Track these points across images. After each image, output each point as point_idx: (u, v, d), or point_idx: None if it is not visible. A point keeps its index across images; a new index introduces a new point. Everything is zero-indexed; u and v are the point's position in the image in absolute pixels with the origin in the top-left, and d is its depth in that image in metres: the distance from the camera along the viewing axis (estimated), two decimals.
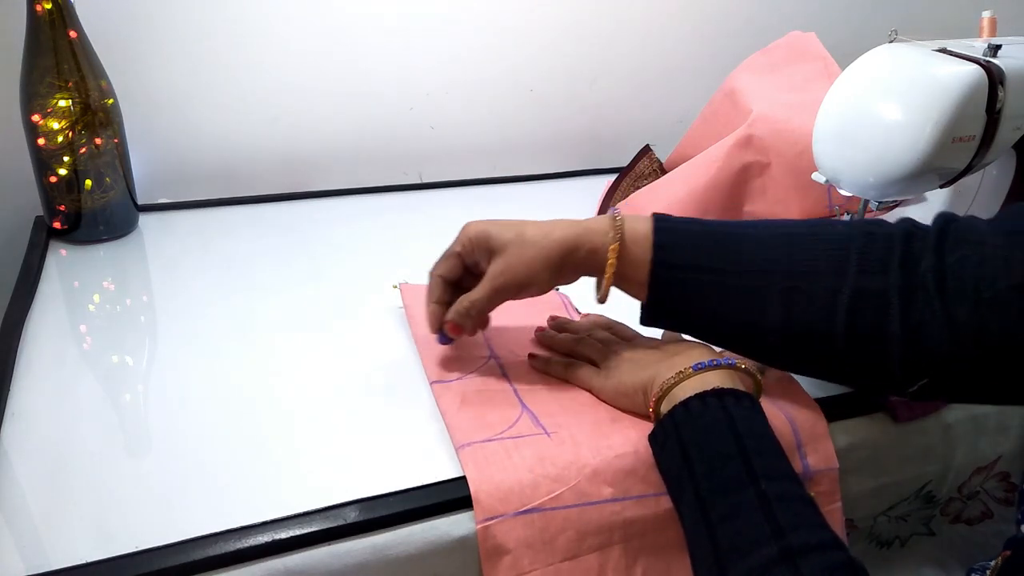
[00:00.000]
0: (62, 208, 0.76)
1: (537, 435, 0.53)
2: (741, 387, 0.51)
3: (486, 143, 1.02)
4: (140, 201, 0.83)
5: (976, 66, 0.58)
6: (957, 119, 0.58)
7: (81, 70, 0.72)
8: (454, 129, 0.99)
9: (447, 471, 0.50)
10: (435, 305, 0.58)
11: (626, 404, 0.56)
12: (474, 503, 0.48)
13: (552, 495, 0.49)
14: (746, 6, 1.07)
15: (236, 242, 0.81)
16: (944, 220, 0.51)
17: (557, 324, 0.65)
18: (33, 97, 0.71)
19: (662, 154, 0.94)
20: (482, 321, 0.59)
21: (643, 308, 0.56)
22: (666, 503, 0.51)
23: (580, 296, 0.69)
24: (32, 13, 0.69)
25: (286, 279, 0.75)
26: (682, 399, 0.49)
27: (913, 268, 0.49)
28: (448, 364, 0.60)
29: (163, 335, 0.66)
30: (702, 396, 0.49)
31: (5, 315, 0.65)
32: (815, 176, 0.67)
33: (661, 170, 0.92)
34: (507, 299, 0.56)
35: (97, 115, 0.73)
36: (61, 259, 0.76)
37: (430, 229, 0.86)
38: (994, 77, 0.58)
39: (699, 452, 0.47)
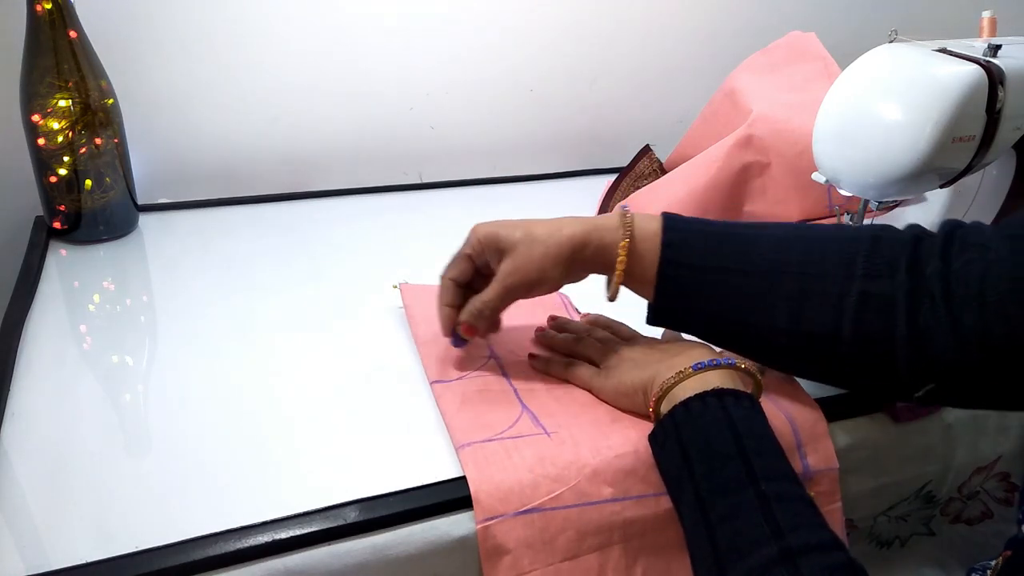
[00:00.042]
0: (62, 208, 0.76)
1: (537, 435, 0.53)
2: (741, 387, 0.51)
3: (486, 143, 1.02)
4: (140, 201, 0.83)
5: (976, 66, 0.58)
6: (957, 119, 0.58)
7: (81, 70, 0.72)
8: (454, 129, 0.99)
9: (447, 471, 0.50)
10: (447, 308, 0.58)
11: (626, 404, 0.56)
12: (474, 503, 0.48)
13: (552, 495, 0.49)
14: (746, 6, 1.07)
15: (236, 242, 0.81)
16: (951, 226, 0.51)
17: (557, 324, 0.65)
18: (33, 97, 0.71)
19: (662, 154, 0.94)
20: (495, 323, 0.59)
21: (650, 307, 0.56)
22: (666, 503, 0.51)
23: (580, 296, 0.69)
24: (32, 13, 0.69)
25: (286, 279, 0.75)
26: (682, 399, 0.49)
27: (920, 273, 0.49)
28: (448, 364, 0.60)
29: (163, 335, 0.66)
30: (702, 396, 0.49)
31: (5, 315, 0.65)
32: (815, 176, 0.67)
33: (661, 170, 0.92)
34: (519, 298, 0.57)
35: (97, 115, 0.73)
36: (61, 259, 0.76)
37: (430, 229, 0.87)
38: (994, 77, 0.58)
39: (699, 452, 0.47)
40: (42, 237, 0.77)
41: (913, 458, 0.63)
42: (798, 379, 0.59)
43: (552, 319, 0.66)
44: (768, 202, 0.81)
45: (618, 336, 0.61)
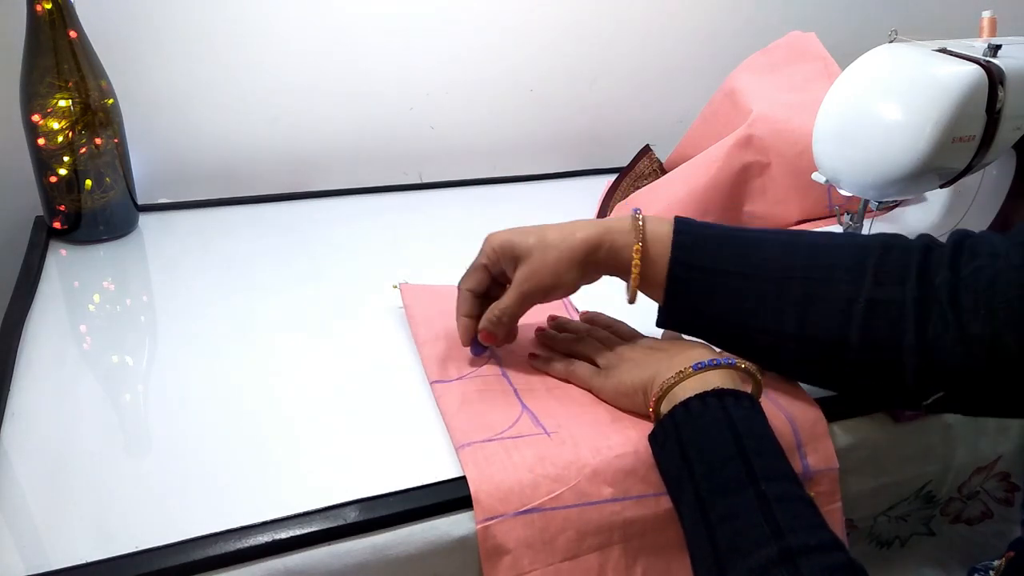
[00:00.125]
0: (62, 208, 0.76)
1: (537, 435, 0.53)
2: (741, 387, 0.51)
3: (486, 143, 1.02)
4: (140, 201, 0.83)
5: (976, 66, 0.58)
6: (957, 119, 0.58)
7: (81, 70, 0.72)
8: (454, 129, 0.99)
9: (447, 471, 0.50)
10: (466, 319, 0.59)
11: (626, 404, 0.56)
12: (474, 503, 0.48)
13: (552, 495, 0.49)
14: (746, 6, 1.07)
15: (236, 242, 0.81)
16: (960, 236, 0.51)
17: (557, 324, 0.65)
18: (33, 97, 0.71)
19: (662, 154, 0.94)
20: (512, 330, 0.60)
21: (660, 309, 0.56)
22: (666, 503, 0.51)
23: (580, 296, 0.69)
24: (32, 13, 0.69)
25: (286, 279, 0.75)
26: (682, 399, 0.49)
27: (929, 282, 0.49)
28: (448, 364, 0.60)
29: (163, 335, 0.66)
30: (702, 396, 0.49)
31: (5, 315, 0.65)
32: (815, 176, 0.68)
33: (661, 170, 0.92)
34: (536, 303, 0.57)
35: (97, 115, 0.73)
36: (61, 259, 0.76)
37: (430, 229, 0.87)
38: (994, 77, 0.58)
39: (699, 452, 0.47)
40: (42, 237, 0.77)
41: (913, 458, 0.63)
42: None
43: (552, 319, 0.66)
44: (768, 202, 0.81)
45: (618, 335, 0.61)
